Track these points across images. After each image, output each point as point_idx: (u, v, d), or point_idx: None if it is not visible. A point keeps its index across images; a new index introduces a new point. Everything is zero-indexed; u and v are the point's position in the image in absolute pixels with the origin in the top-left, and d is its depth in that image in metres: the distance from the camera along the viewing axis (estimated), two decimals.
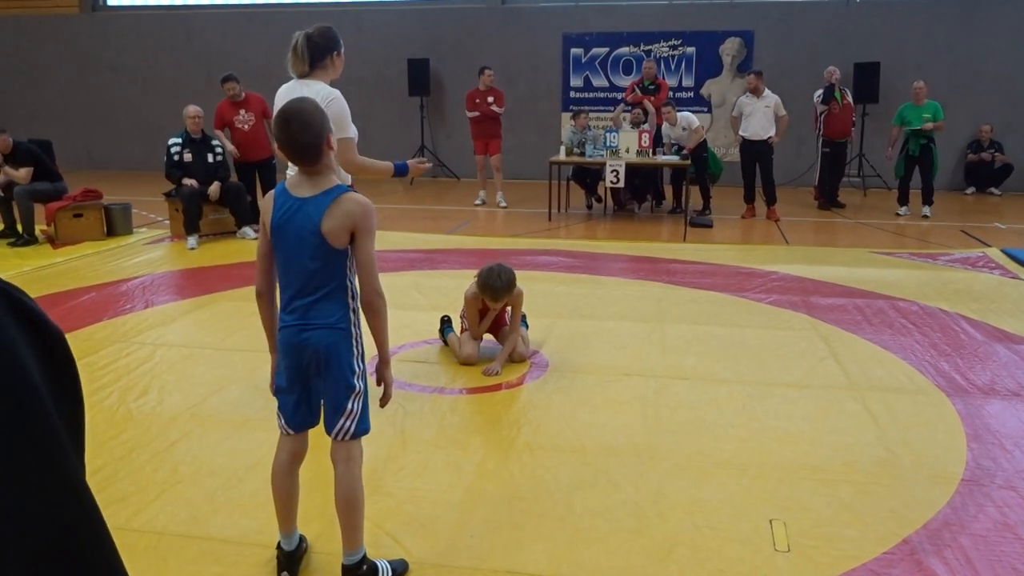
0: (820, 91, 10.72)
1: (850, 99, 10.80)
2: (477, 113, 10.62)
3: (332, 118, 3.37)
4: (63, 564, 0.69)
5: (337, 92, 3.62)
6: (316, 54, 3.64)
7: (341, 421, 2.47)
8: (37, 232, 8.26)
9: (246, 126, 8.61)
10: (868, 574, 2.65)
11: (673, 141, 10.11)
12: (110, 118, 15.29)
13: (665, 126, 10.21)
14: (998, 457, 3.49)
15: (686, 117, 10.12)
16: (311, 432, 2.60)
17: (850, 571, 2.66)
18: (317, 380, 2.48)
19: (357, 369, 2.48)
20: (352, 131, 3.63)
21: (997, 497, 3.14)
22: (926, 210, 9.94)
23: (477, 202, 10.99)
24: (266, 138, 8.69)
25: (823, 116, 10.62)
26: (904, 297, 6.11)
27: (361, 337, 2.51)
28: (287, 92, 3.66)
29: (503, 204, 10.82)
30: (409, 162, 3.95)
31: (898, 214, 10.08)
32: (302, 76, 3.70)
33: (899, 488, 3.22)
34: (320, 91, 3.55)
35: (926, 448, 3.58)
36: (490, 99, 10.58)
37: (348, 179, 3.59)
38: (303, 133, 2.35)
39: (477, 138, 10.83)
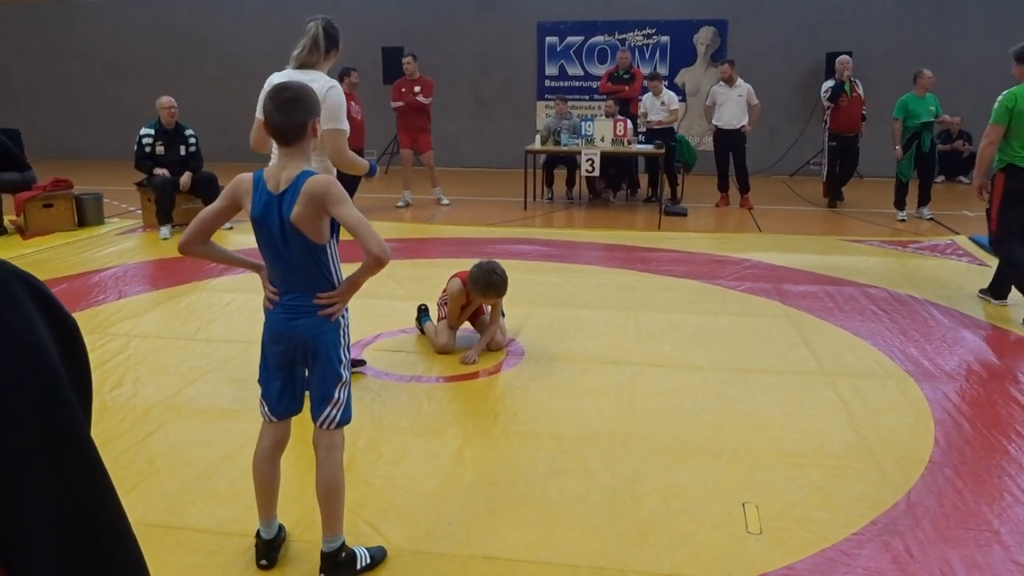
0: (828, 84, 9.87)
1: (860, 91, 9.89)
2: (402, 104, 9.75)
3: (330, 107, 3.45)
4: (95, 547, 0.74)
5: (336, 82, 3.59)
6: (329, 45, 3.66)
7: (328, 409, 2.49)
8: (6, 223, 8.14)
9: (358, 116, 8.47)
10: (838, 555, 2.71)
11: (646, 111, 10.19)
12: (79, 106, 15.06)
13: (648, 96, 10.24)
14: (964, 440, 3.57)
15: (670, 96, 10.17)
16: (295, 419, 2.62)
17: (820, 552, 2.72)
18: (302, 368, 2.50)
19: (344, 358, 2.50)
20: (345, 124, 3.59)
21: (963, 479, 3.22)
22: (926, 212, 9.12)
23: (400, 204, 9.90)
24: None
25: (830, 111, 9.81)
26: (874, 284, 6.20)
27: (348, 327, 2.54)
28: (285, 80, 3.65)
29: (445, 201, 9.95)
30: (377, 167, 3.97)
31: (902, 219, 9.01)
32: (305, 66, 3.65)
33: (868, 471, 3.29)
34: (321, 79, 3.52)
35: (895, 432, 3.66)
36: (416, 88, 9.69)
37: (333, 172, 3.57)
38: (295, 109, 2.34)
39: (403, 131, 9.91)
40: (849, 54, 11.88)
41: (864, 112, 9.98)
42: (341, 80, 8.48)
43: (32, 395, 0.69)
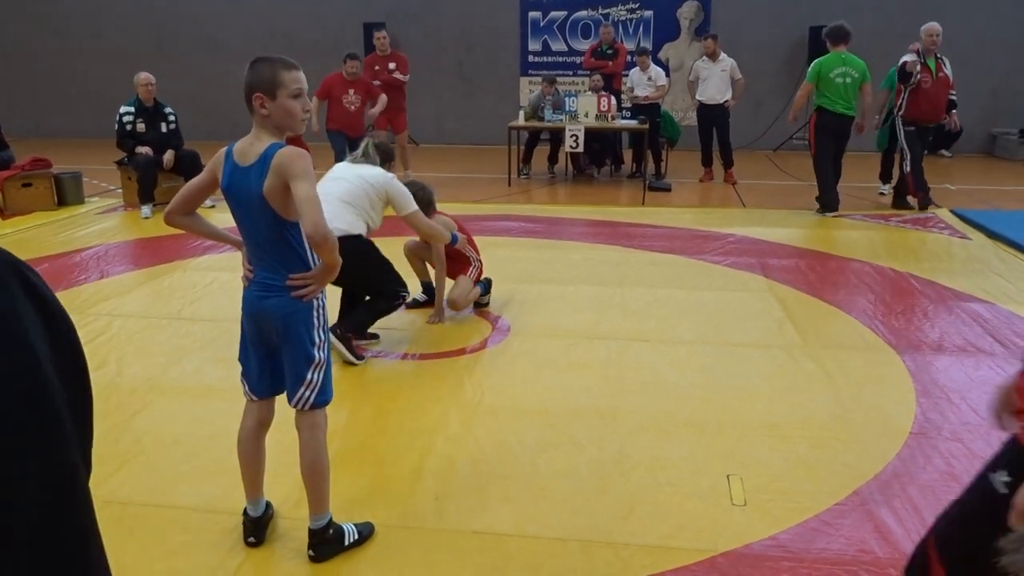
0: (910, 58, 7.86)
1: (948, 71, 7.93)
2: (377, 82, 9.23)
3: (397, 197, 4.21)
4: (55, 543, 0.73)
5: (391, 175, 4.35)
6: (384, 157, 4.54)
7: (301, 391, 2.46)
8: None
9: (352, 107, 8.83)
10: (821, 525, 2.74)
11: (632, 86, 10.16)
12: (57, 85, 14.82)
13: (635, 71, 10.22)
14: (945, 410, 3.61)
15: (658, 71, 10.19)
16: (278, 397, 2.60)
17: (804, 522, 2.76)
18: (279, 347, 2.48)
19: (318, 340, 2.46)
20: (414, 205, 4.29)
21: (944, 449, 3.26)
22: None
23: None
24: (363, 119, 9.02)
25: (907, 93, 7.87)
26: (856, 257, 6.24)
27: (324, 308, 2.50)
28: (342, 167, 4.43)
29: None
30: (459, 239, 4.78)
31: (882, 193, 8.96)
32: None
33: (852, 442, 3.32)
34: (377, 172, 4.33)
35: (877, 403, 3.70)
36: (391, 65, 9.35)
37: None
38: (247, 81, 2.32)
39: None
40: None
41: (953, 96, 8.34)
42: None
43: (11, 391, 0.67)
